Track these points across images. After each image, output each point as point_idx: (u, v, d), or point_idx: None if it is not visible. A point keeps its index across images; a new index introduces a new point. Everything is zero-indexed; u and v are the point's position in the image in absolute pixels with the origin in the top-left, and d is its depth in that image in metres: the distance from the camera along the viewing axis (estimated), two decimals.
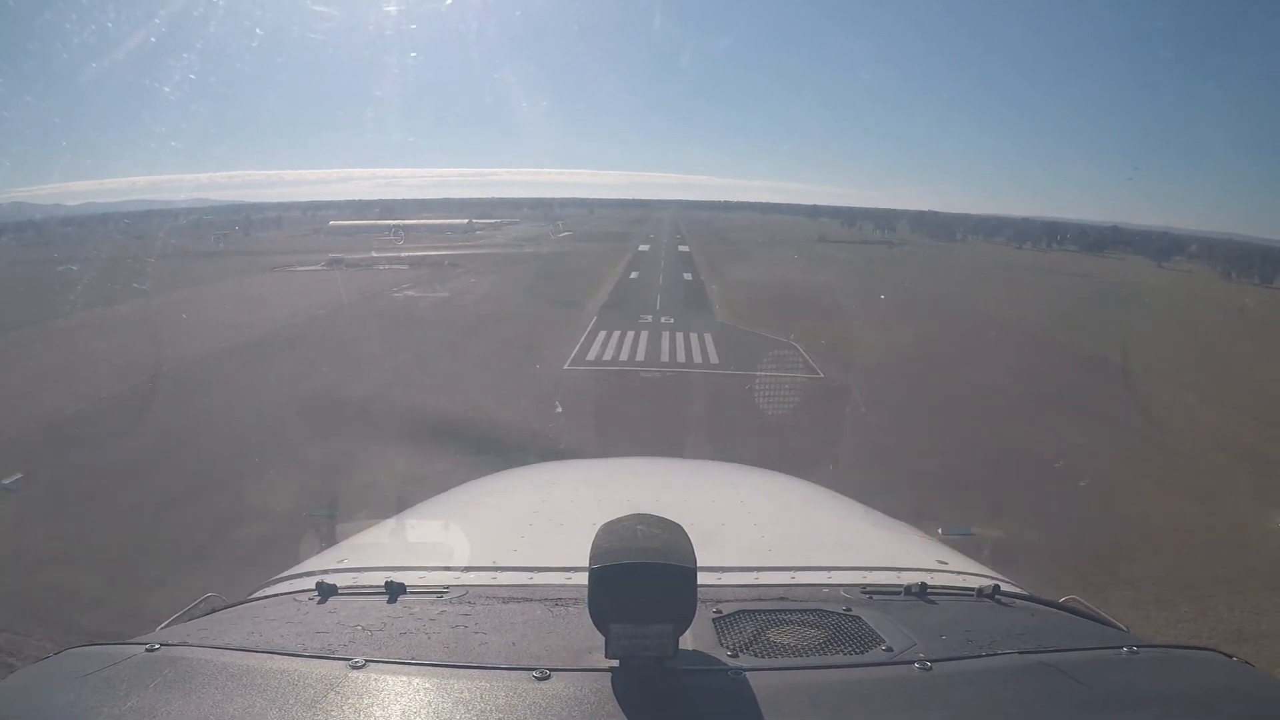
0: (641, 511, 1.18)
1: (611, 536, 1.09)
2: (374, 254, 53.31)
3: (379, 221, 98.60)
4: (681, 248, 68.98)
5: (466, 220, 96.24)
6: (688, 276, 43.80)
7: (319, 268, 45.38)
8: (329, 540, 2.31)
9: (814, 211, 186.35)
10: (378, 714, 0.95)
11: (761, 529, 1.98)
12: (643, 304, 29.88)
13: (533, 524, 1.98)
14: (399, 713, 0.95)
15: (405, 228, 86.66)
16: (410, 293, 33.45)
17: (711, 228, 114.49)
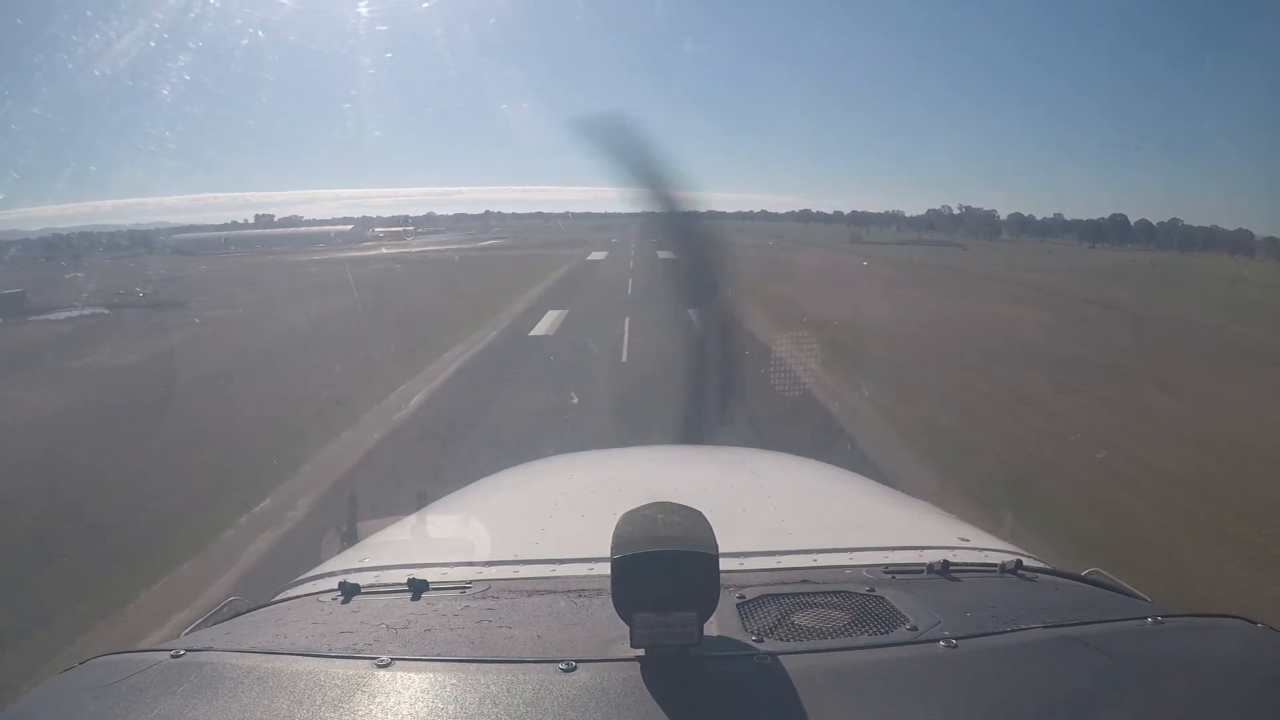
0: (661, 499, 1.16)
1: (632, 525, 1.07)
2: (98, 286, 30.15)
3: (240, 233, 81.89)
4: (664, 254, 44.27)
5: (350, 227, 71.72)
6: (694, 319, 16.55)
7: None
8: (350, 540, 2.20)
9: (804, 217, 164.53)
10: (405, 711, 0.94)
11: (781, 512, 1.93)
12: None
13: (553, 516, 1.95)
14: (426, 709, 0.94)
15: (276, 238, 70.66)
16: None
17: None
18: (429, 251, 50.92)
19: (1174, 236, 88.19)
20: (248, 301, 24.13)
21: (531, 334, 16.41)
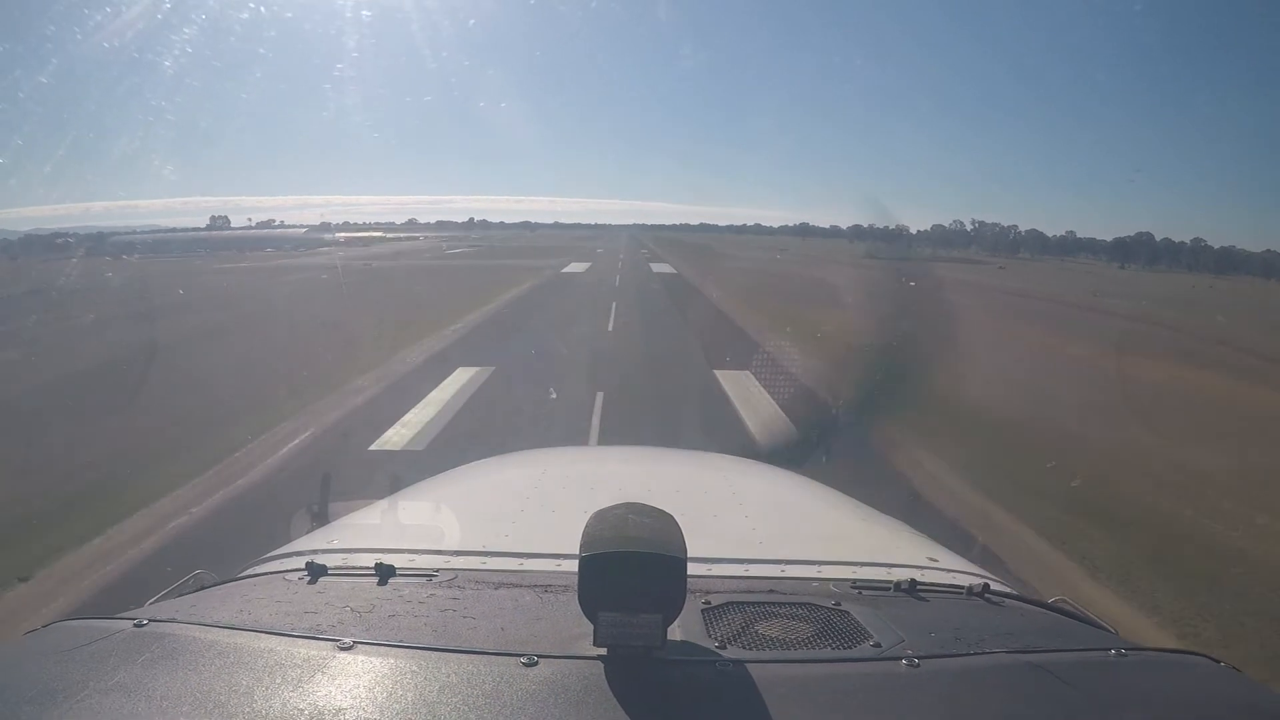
0: (633, 500, 1.16)
1: (602, 525, 1.07)
2: None
3: (192, 235, 76.00)
4: (657, 267, 39.96)
5: (304, 231, 66.98)
6: (732, 397, 9.07)
7: None
8: (320, 520, 2.12)
9: (801, 231, 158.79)
10: (364, 695, 0.94)
11: (753, 521, 1.91)
12: None
13: (524, 510, 1.96)
14: (385, 695, 0.94)
15: (223, 241, 67.77)
16: None
17: (691, 245, 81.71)
18: (378, 260, 43.23)
19: (1202, 257, 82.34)
20: (72, 329, 16.39)
21: (372, 448, 7.40)
